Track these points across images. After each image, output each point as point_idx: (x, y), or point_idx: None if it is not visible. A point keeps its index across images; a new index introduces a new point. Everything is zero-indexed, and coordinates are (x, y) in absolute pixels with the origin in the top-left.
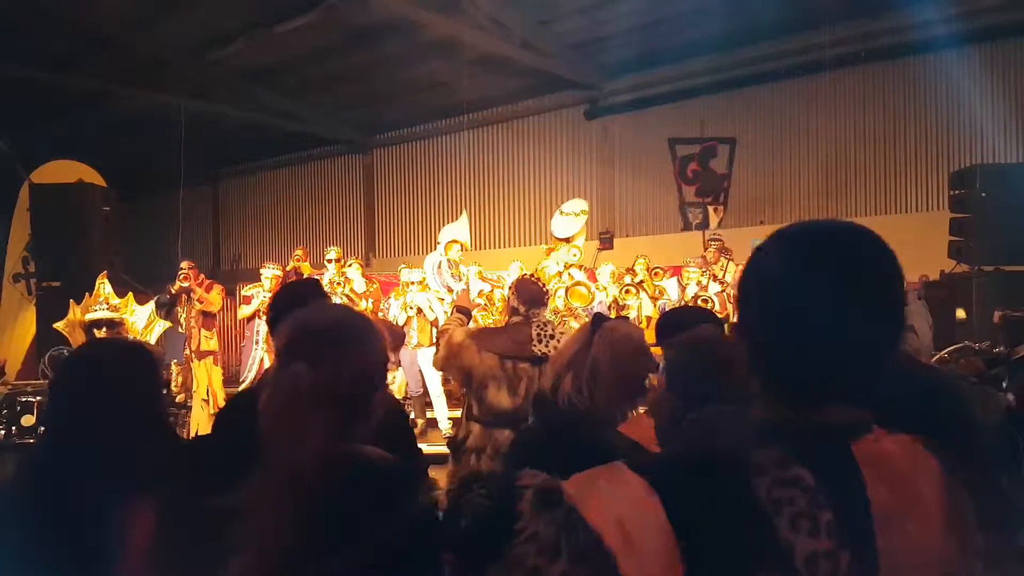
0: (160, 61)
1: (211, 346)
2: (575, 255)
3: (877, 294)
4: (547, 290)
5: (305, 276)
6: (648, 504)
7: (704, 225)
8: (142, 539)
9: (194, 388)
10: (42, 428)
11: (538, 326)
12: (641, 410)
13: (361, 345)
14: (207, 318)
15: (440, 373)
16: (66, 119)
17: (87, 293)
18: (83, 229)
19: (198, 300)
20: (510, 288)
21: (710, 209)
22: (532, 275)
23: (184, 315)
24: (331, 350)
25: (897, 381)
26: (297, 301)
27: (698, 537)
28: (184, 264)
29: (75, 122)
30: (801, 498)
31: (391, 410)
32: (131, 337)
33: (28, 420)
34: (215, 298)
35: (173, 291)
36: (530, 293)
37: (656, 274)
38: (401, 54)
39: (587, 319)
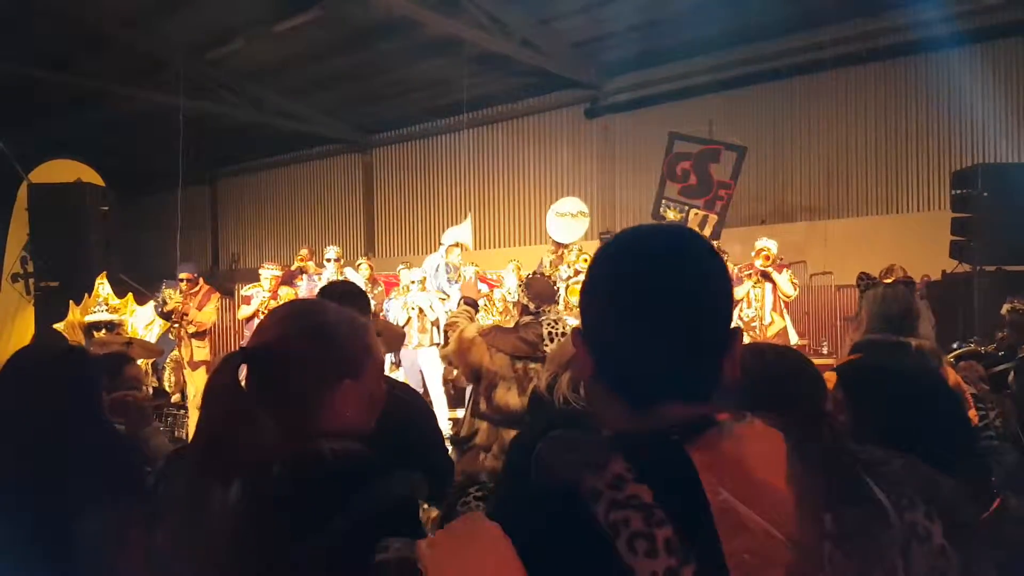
0: (160, 61)
1: (203, 356)
2: (585, 260)
3: (695, 288)
4: (557, 287)
5: (310, 275)
6: (503, 558)
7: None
8: (137, 540)
9: (191, 397)
10: None
11: (549, 324)
12: None
13: (321, 337)
14: (198, 332)
15: (441, 374)
16: (65, 119)
17: (86, 294)
18: (82, 229)
19: (190, 323)
20: (520, 286)
21: (691, 212)
22: (542, 273)
23: (174, 330)
24: (280, 344)
25: (754, 369)
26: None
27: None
28: (181, 275)
29: (74, 122)
30: (636, 518)
31: (416, 408)
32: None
33: None
34: (208, 316)
35: (166, 310)
36: (541, 290)
37: None
38: (401, 53)
39: None
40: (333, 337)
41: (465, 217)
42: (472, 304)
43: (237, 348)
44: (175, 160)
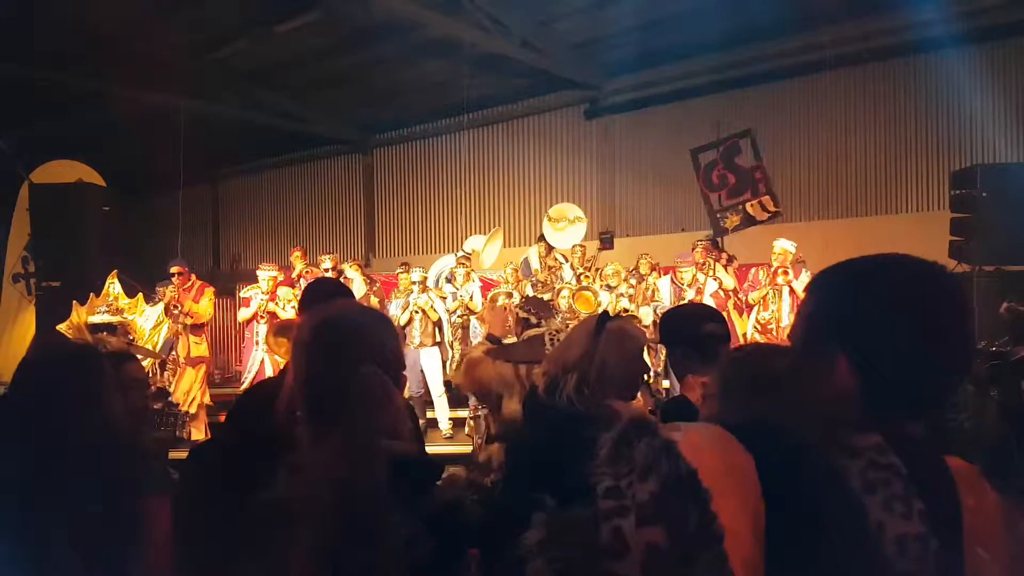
0: (160, 61)
1: (201, 352)
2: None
3: (965, 330)
4: (554, 302)
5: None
6: (742, 462)
7: (747, 224)
8: (159, 536)
9: (181, 393)
10: None
11: (550, 334)
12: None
13: (389, 341)
14: (195, 325)
15: (442, 374)
16: (66, 119)
17: (92, 294)
18: (83, 229)
19: (185, 315)
20: (519, 306)
21: (746, 207)
22: (535, 295)
23: (169, 325)
24: (368, 349)
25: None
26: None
27: (785, 504)
28: (173, 269)
29: (75, 122)
30: (897, 483)
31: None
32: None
33: None
34: (204, 309)
35: (160, 300)
36: (540, 306)
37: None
38: (401, 54)
39: None
40: (400, 346)
41: (492, 229)
42: (494, 342)
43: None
44: (176, 160)
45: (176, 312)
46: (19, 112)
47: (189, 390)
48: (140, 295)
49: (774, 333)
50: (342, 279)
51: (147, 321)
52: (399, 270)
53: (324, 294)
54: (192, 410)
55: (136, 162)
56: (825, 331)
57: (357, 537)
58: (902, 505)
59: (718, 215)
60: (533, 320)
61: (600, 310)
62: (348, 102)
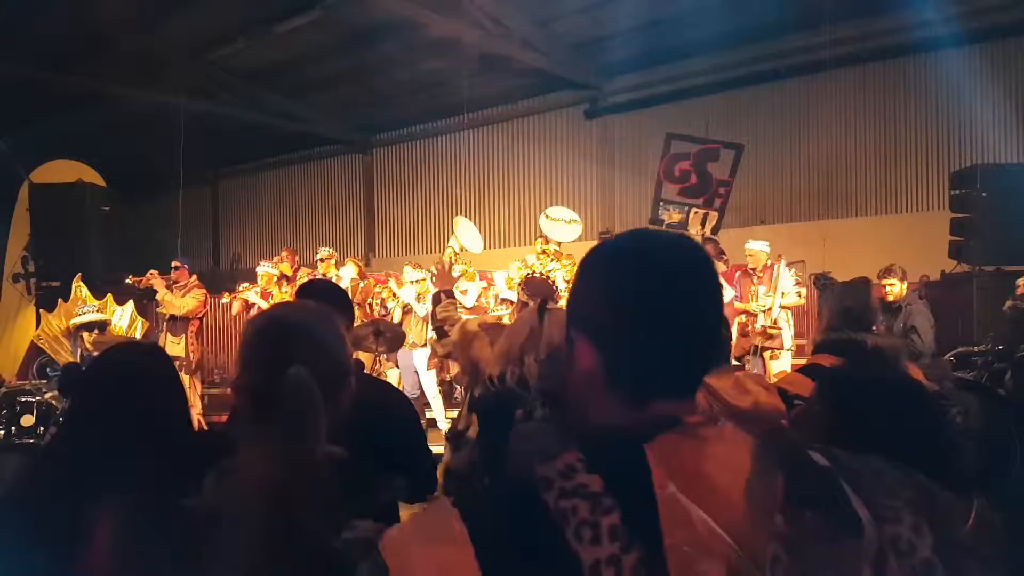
0: (160, 61)
1: (176, 352)
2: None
3: (696, 296)
4: (556, 286)
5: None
6: (458, 543)
7: (682, 227)
8: (103, 541)
9: None
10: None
11: None
12: None
13: (332, 342)
14: (175, 322)
15: (435, 373)
16: (66, 119)
17: (60, 299)
18: (83, 229)
19: (160, 301)
20: (519, 285)
21: (691, 212)
22: (540, 273)
23: (143, 320)
24: (309, 346)
25: None
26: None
27: (500, 563)
28: (174, 264)
29: (75, 122)
30: (583, 506)
31: (403, 405)
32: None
33: (28, 420)
34: (181, 303)
35: (140, 286)
36: (539, 288)
37: None
38: (401, 54)
39: None
40: (342, 352)
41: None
42: (449, 294)
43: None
44: (176, 160)
45: (144, 293)
46: (19, 112)
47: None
48: (109, 295)
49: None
50: (335, 274)
51: (122, 319)
52: (408, 267)
53: (317, 293)
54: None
55: (136, 162)
56: (570, 314)
57: (284, 543)
58: (589, 529)
59: (661, 203)
60: (531, 304)
61: None
62: (348, 102)
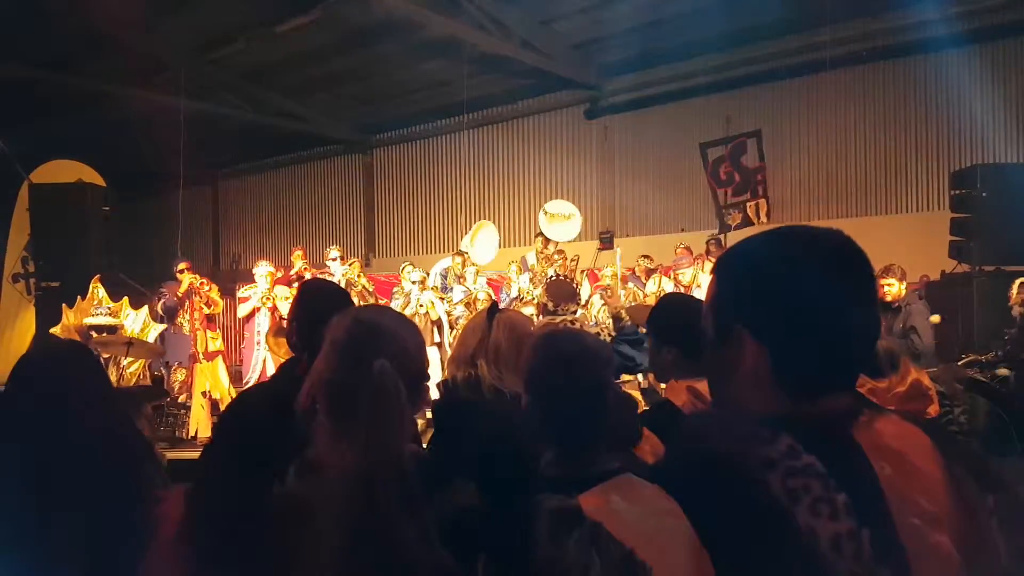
0: (160, 61)
1: (218, 346)
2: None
3: (865, 289)
4: (578, 287)
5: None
6: (669, 513)
7: (745, 224)
8: (168, 531)
9: (198, 388)
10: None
11: (566, 323)
12: None
13: (415, 341)
14: (209, 319)
15: (441, 374)
16: (66, 119)
17: (79, 296)
18: (83, 229)
19: (205, 304)
20: (542, 289)
21: (747, 207)
22: (564, 275)
23: (187, 318)
24: (395, 346)
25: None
26: (330, 302)
27: (722, 539)
28: (180, 266)
29: (75, 122)
30: (816, 484)
31: None
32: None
33: None
34: (216, 298)
35: (180, 294)
36: (561, 291)
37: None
38: (401, 54)
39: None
40: (423, 346)
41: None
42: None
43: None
44: (176, 160)
45: (196, 300)
46: (19, 112)
47: (216, 384)
48: (125, 299)
49: None
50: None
51: (135, 323)
52: (407, 266)
53: (318, 293)
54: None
55: (136, 162)
56: (728, 312)
57: (375, 537)
58: (826, 505)
59: (724, 211)
60: (551, 307)
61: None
62: (348, 102)
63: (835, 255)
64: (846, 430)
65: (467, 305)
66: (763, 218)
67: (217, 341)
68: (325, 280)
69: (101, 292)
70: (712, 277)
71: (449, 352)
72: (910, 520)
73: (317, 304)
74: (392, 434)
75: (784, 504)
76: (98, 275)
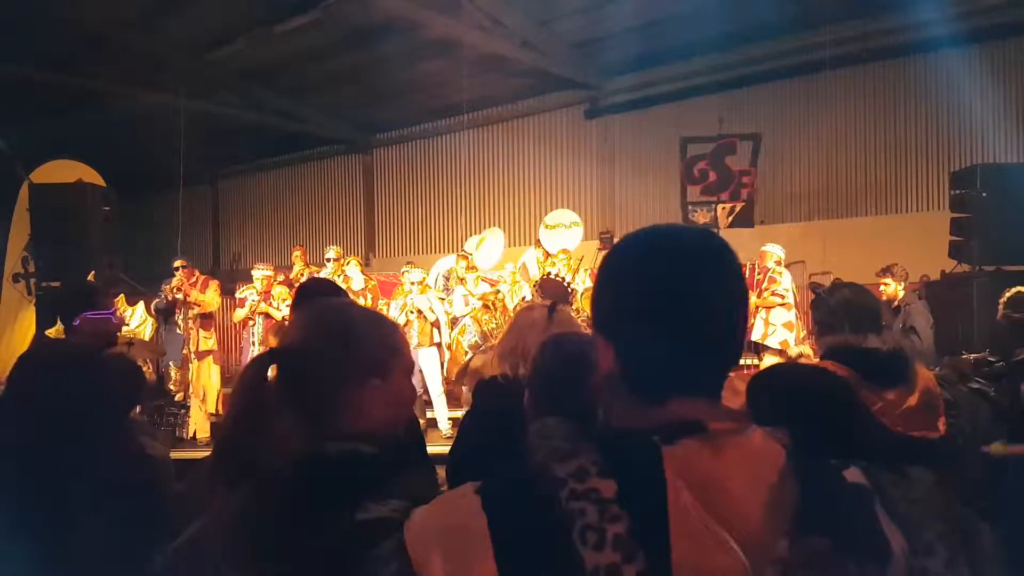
0: (160, 61)
1: (209, 346)
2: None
3: (712, 287)
4: (572, 289)
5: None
6: (474, 528)
7: (713, 225)
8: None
9: (193, 387)
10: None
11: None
12: None
13: (346, 336)
14: (204, 318)
15: (440, 374)
16: (66, 119)
17: None
18: (83, 229)
19: (194, 304)
20: (533, 288)
21: (718, 208)
22: (556, 275)
23: (182, 316)
24: (305, 344)
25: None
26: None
27: (513, 555)
28: (176, 263)
29: (75, 122)
30: (591, 510)
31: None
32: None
33: None
34: (211, 298)
35: (168, 298)
36: (553, 291)
37: None
38: (401, 54)
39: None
40: (359, 337)
41: (488, 229)
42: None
43: (238, 346)
44: (176, 160)
45: (183, 304)
46: (19, 112)
47: (206, 383)
48: (122, 295)
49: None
50: (342, 275)
51: (132, 319)
52: (404, 268)
53: (316, 293)
54: (209, 406)
55: (136, 162)
56: (592, 314)
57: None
58: (594, 534)
59: (689, 207)
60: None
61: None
62: (348, 102)
63: (681, 250)
64: (655, 451)
65: (490, 305)
66: (727, 220)
67: (210, 340)
68: (323, 279)
69: None
70: None
71: (448, 353)
72: (689, 562)
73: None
74: (261, 436)
75: (565, 526)
76: (92, 272)
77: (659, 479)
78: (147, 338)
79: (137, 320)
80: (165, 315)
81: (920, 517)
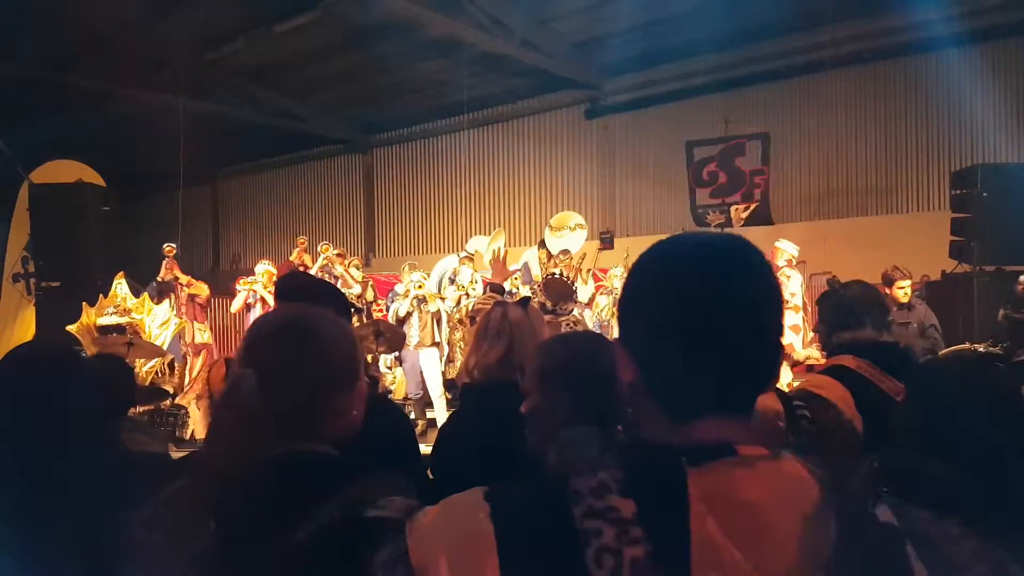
0: (160, 61)
1: (205, 339)
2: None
3: (738, 302)
4: (575, 287)
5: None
6: (481, 537)
7: (727, 226)
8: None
9: (187, 385)
10: None
11: (568, 325)
12: None
13: (309, 346)
14: (199, 311)
15: (440, 374)
16: (66, 119)
17: (100, 295)
18: (83, 229)
19: (186, 284)
20: (538, 288)
21: (731, 209)
22: (560, 274)
23: (174, 311)
24: (274, 353)
25: None
26: (299, 289)
27: (518, 571)
28: (164, 248)
29: (75, 122)
30: (609, 531)
31: (388, 410)
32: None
33: None
34: (201, 286)
35: (161, 279)
36: (559, 290)
37: None
38: (401, 54)
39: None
40: (327, 355)
41: (495, 231)
42: (497, 290)
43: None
44: (176, 160)
45: (177, 288)
46: (19, 112)
47: (196, 378)
48: (145, 295)
49: None
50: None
51: (155, 320)
52: (407, 267)
53: (296, 287)
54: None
55: (136, 162)
56: (619, 327)
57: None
58: (611, 558)
59: (700, 210)
60: (549, 305)
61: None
62: (348, 102)
63: (711, 262)
64: (680, 473)
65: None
66: (741, 221)
67: (205, 333)
68: (301, 274)
69: (124, 289)
70: None
71: (447, 350)
72: None
73: (296, 297)
74: (237, 439)
75: (581, 546)
76: (122, 272)
77: (683, 502)
78: (170, 336)
79: (161, 319)
80: (159, 295)
81: (967, 557)
